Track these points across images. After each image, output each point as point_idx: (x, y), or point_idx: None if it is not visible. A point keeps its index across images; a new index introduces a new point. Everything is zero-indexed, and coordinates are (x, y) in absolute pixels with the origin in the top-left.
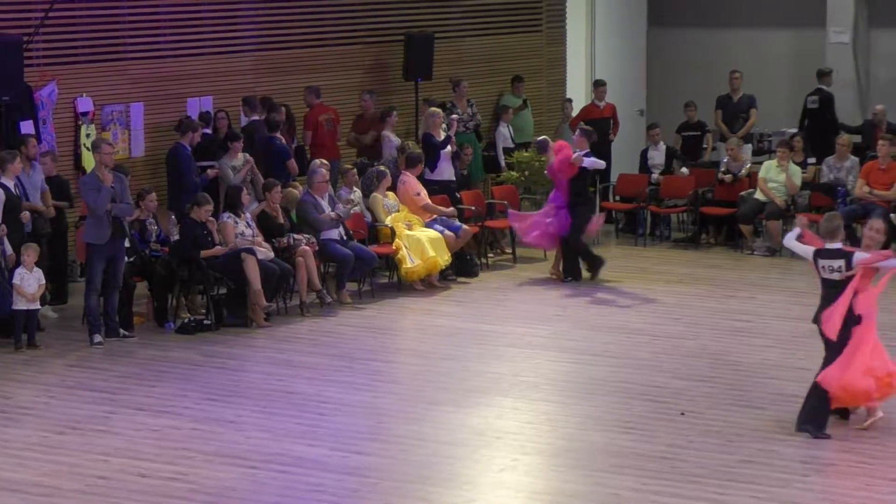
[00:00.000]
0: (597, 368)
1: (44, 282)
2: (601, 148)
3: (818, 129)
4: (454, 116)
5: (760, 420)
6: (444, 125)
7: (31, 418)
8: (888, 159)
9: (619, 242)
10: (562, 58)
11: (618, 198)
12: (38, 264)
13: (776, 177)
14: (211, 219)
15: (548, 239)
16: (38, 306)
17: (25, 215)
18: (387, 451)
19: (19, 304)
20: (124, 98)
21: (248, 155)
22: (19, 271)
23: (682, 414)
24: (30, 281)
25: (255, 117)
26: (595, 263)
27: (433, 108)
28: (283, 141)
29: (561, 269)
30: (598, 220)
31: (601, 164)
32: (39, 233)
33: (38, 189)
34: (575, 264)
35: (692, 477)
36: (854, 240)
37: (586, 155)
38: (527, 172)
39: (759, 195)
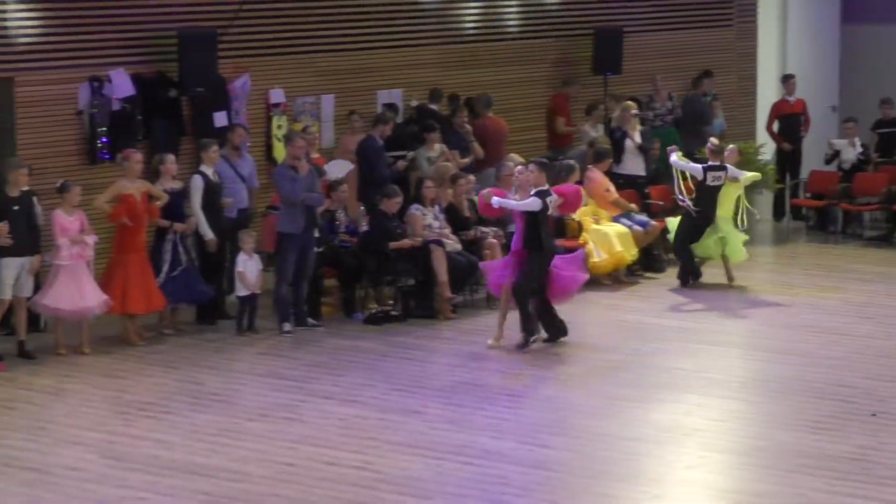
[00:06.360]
0: (786, 367)
1: (261, 267)
2: (793, 144)
3: None
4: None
5: None
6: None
7: (221, 405)
8: None
9: (809, 240)
10: (752, 53)
11: (808, 194)
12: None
13: None
14: None
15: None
16: (258, 292)
17: (227, 202)
18: (571, 446)
19: (241, 291)
20: (313, 90)
21: (444, 146)
22: (241, 258)
23: (874, 415)
24: (251, 267)
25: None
26: (532, 328)
27: (627, 102)
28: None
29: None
30: (572, 278)
31: (516, 204)
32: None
33: (251, 176)
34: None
35: (885, 479)
36: None
37: (539, 194)
38: None
39: None
